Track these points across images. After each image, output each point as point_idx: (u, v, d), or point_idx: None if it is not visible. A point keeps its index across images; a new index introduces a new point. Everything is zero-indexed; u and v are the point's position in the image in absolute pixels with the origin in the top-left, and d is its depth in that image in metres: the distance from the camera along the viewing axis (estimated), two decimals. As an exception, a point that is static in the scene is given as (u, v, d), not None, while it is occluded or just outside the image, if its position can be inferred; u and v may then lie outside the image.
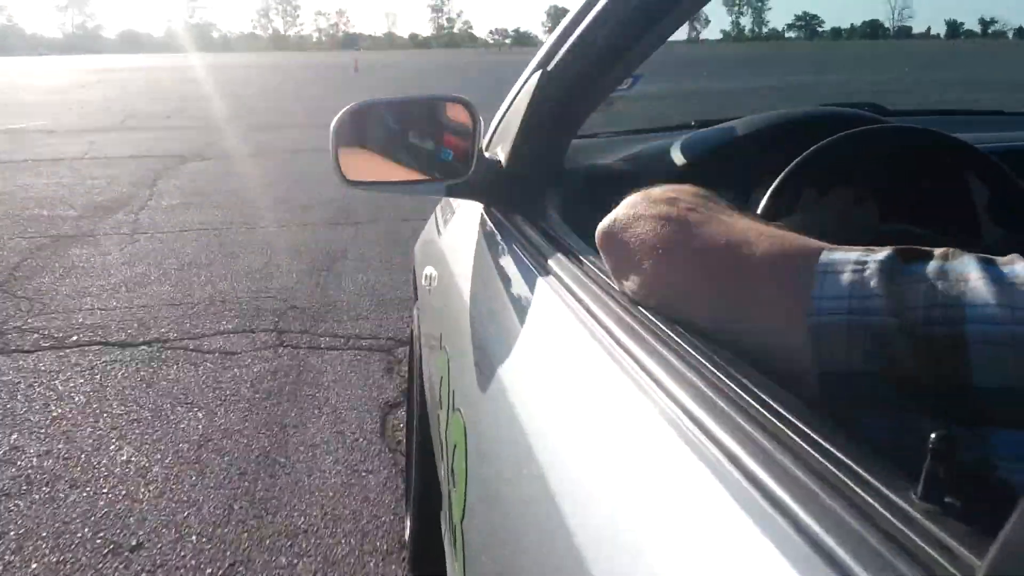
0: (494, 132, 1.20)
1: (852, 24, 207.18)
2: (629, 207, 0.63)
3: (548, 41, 1.08)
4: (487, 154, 1.11)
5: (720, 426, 0.44)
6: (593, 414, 0.60)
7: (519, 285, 0.90)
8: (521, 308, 0.87)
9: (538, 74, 1.05)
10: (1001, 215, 0.98)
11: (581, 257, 0.81)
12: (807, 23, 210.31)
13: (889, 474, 0.35)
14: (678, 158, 1.24)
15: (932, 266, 0.43)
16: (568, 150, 1.15)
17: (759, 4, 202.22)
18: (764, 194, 0.94)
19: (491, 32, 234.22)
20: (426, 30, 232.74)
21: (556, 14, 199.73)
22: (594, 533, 0.50)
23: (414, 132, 1.12)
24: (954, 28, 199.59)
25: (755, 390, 0.45)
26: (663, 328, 0.58)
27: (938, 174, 0.99)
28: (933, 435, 0.33)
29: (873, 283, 0.43)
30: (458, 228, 1.33)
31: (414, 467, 1.70)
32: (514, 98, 1.14)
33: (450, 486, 0.97)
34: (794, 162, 0.96)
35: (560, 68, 1.03)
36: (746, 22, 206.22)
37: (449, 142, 1.10)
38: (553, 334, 0.75)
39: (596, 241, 0.65)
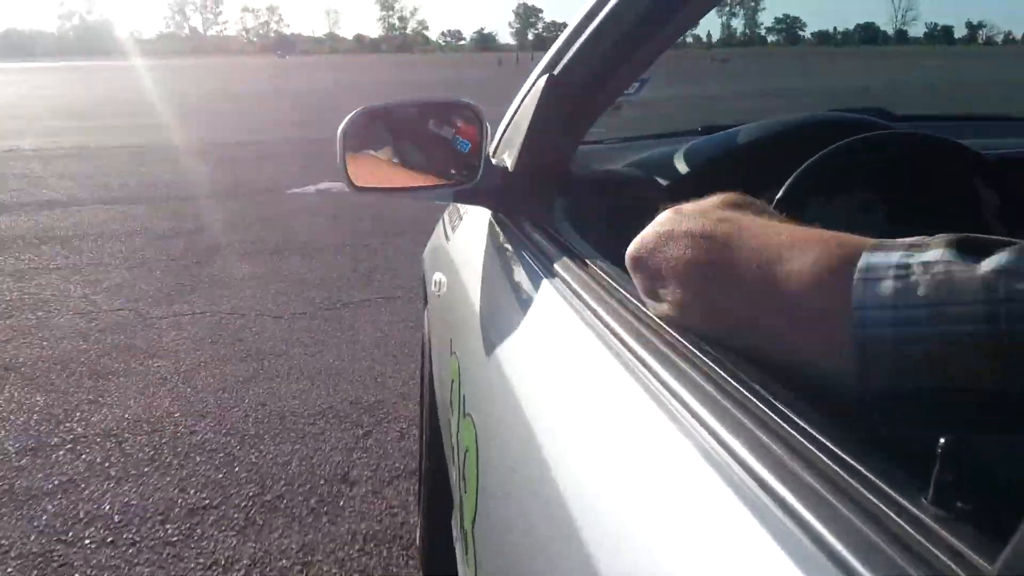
0: (501, 137, 1.20)
1: (836, 28, 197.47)
2: (659, 226, 0.60)
3: (554, 45, 1.08)
4: (494, 159, 1.11)
5: (729, 430, 0.44)
6: (603, 419, 0.60)
7: (527, 290, 0.90)
8: (530, 313, 0.87)
9: (544, 79, 1.05)
10: (1011, 222, 0.98)
11: (589, 262, 0.81)
12: (787, 26, 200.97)
13: (900, 478, 0.35)
14: (684, 164, 1.25)
15: (994, 261, 0.37)
16: (575, 155, 1.15)
17: (752, 6, 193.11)
18: (770, 200, 0.94)
19: (443, 34, 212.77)
20: (374, 31, 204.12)
21: (525, 13, 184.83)
22: (605, 538, 0.50)
23: (421, 137, 1.12)
24: (946, 33, 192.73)
25: (764, 394, 0.45)
26: (672, 333, 0.58)
27: (946, 180, 0.99)
28: (943, 439, 0.33)
29: (921, 290, 0.38)
30: (466, 234, 1.33)
31: (424, 470, 1.70)
32: (520, 103, 1.14)
33: (461, 491, 0.97)
34: (800, 168, 0.96)
35: (566, 72, 1.03)
36: (714, 31, 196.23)
37: (456, 146, 1.10)
38: (562, 339, 0.75)
39: (626, 264, 0.62)
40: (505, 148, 1.16)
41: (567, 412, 0.66)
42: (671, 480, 0.47)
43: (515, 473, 0.71)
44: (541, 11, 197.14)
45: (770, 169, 1.02)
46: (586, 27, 0.97)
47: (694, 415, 0.48)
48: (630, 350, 0.60)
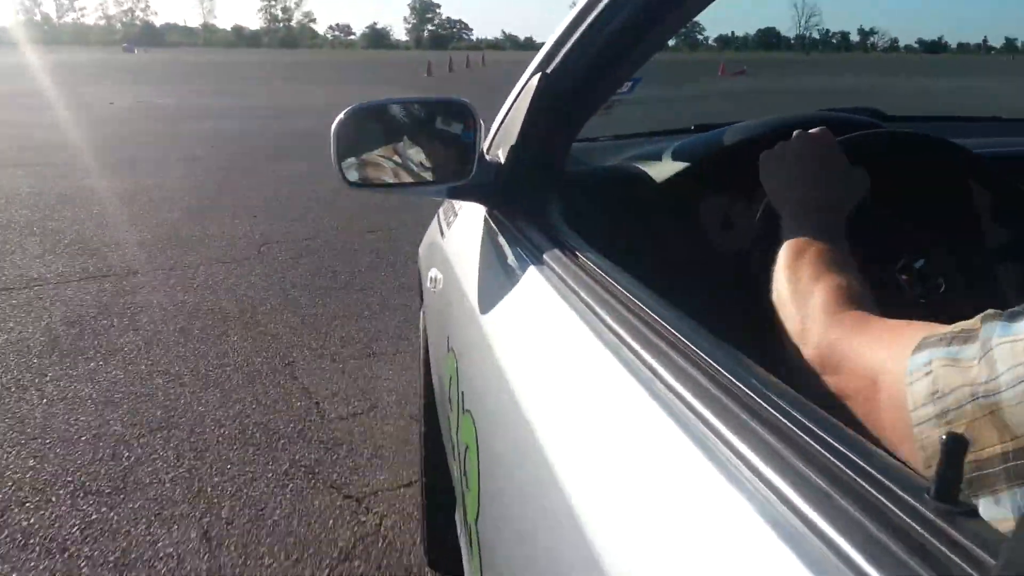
0: (495, 134, 1.20)
1: (734, 32, 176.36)
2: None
3: (547, 43, 1.08)
4: (488, 156, 1.11)
5: (730, 427, 0.44)
6: (600, 412, 0.61)
7: (523, 286, 0.90)
8: (525, 309, 0.87)
9: (538, 77, 1.05)
10: (1004, 218, 0.98)
11: (583, 257, 0.81)
12: (686, 31, 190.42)
13: (903, 474, 0.35)
14: (678, 162, 1.25)
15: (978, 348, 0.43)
16: (569, 153, 1.15)
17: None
18: (763, 199, 0.95)
19: (332, 28, 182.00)
20: (255, 22, 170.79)
21: (422, 7, 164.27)
22: (607, 530, 0.50)
23: (415, 134, 1.12)
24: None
25: (766, 391, 0.45)
26: (668, 328, 0.58)
27: (939, 178, 0.99)
28: (945, 436, 0.33)
29: (940, 383, 0.44)
30: (461, 230, 1.33)
31: (424, 466, 1.70)
32: (514, 100, 1.14)
33: (464, 487, 0.97)
34: None
35: (560, 71, 1.03)
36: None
37: (450, 144, 1.10)
38: (557, 334, 0.76)
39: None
40: (499, 145, 1.15)
41: (565, 406, 0.67)
42: (670, 473, 0.48)
43: (516, 468, 0.71)
44: (439, 6, 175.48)
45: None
46: (579, 26, 0.97)
47: (691, 409, 0.48)
48: (624, 343, 0.60)
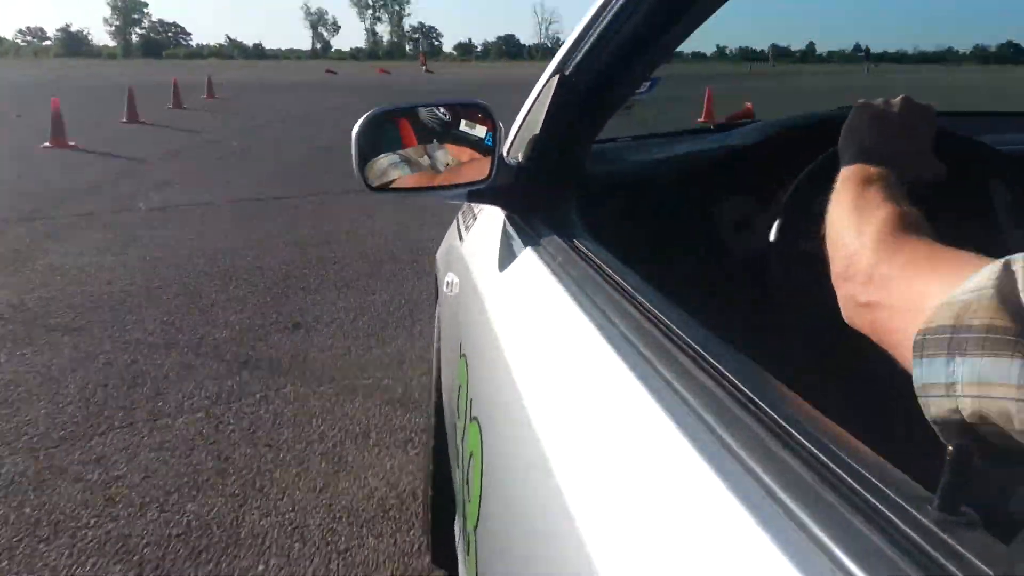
0: (514, 137, 1.21)
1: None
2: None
3: (565, 45, 1.08)
4: (508, 159, 1.12)
5: (737, 438, 0.44)
6: (611, 429, 0.59)
7: (540, 293, 0.89)
8: (541, 317, 0.86)
9: (556, 79, 1.05)
10: (1022, 216, 0.97)
11: (603, 265, 0.80)
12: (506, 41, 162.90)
13: (906, 484, 0.36)
14: (697, 162, 1.25)
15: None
16: (588, 154, 1.15)
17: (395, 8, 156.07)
18: (784, 196, 0.94)
19: (21, 31, 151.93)
20: None
21: (127, 7, 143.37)
22: (607, 543, 0.50)
23: (435, 137, 1.13)
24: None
25: (774, 400, 0.46)
26: (685, 339, 0.57)
27: (958, 175, 0.98)
28: (950, 447, 0.33)
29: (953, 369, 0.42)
30: (480, 234, 1.34)
31: (430, 470, 1.70)
32: (533, 103, 1.14)
33: (465, 495, 0.96)
34: (812, 164, 0.96)
35: (577, 72, 1.03)
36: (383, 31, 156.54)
37: (469, 147, 1.11)
38: (573, 345, 0.74)
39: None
40: (518, 148, 1.16)
41: (575, 421, 0.65)
42: (676, 487, 0.47)
43: (519, 479, 0.70)
44: (147, 4, 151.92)
45: (784, 166, 1.01)
46: (596, 27, 0.97)
47: (701, 421, 0.48)
48: (641, 355, 0.59)
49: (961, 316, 0.41)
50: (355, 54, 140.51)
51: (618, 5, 0.92)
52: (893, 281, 0.57)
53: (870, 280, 0.60)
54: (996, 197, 0.98)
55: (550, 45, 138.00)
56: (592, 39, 0.98)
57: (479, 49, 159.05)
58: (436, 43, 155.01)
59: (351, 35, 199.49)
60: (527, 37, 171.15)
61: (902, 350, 0.50)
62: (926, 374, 0.42)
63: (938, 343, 0.42)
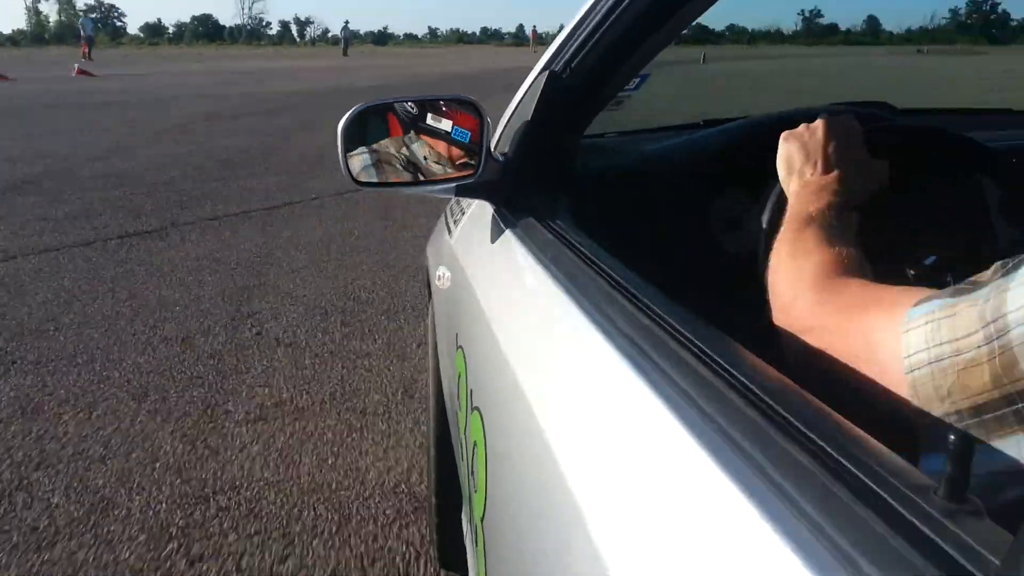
0: (503, 132, 1.20)
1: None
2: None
3: (555, 41, 1.08)
4: (496, 154, 1.11)
5: (735, 426, 0.44)
6: (608, 412, 0.60)
7: (531, 284, 0.90)
8: (534, 307, 0.87)
9: (545, 74, 1.05)
10: (1015, 214, 0.97)
11: (591, 255, 0.81)
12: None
13: (910, 473, 0.35)
14: (687, 157, 1.24)
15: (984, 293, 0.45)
16: (577, 149, 1.15)
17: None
18: (773, 192, 0.94)
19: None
20: None
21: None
22: (613, 529, 0.50)
23: (422, 132, 1.12)
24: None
25: (774, 390, 0.45)
26: (677, 327, 0.58)
27: (950, 173, 0.98)
28: (953, 437, 0.33)
29: (942, 331, 0.46)
30: (468, 228, 1.33)
31: (433, 464, 1.71)
32: (522, 98, 1.14)
33: (471, 485, 0.97)
34: None
35: (567, 68, 1.03)
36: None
37: (457, 142, 1.10)
38: (565, 333, 0.76)
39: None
40: (507, 143, 1.15)
41: (573, 405, 0.66)
42: (677, 474, 0.48)
43: (523, 466, 0.71)
44: None
45: (773, 162, 1.01)
46: (587, 23, 0.97)
47: (699, 409, 0.48)
48: (632, 343, 0.60)
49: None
50: (16, 38, 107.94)
51: (609, 1, 0.91)
52: (828, 328, 0.60)
53: (810, 330, 0.62)
54: (987, 194, 0.97)
55: (251, 27, 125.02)
56: (582, 36, 0.98)
57: (171, 31, 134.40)
58: (120, 23, 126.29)
59: (9, 14, 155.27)
60: (227, 18, 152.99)
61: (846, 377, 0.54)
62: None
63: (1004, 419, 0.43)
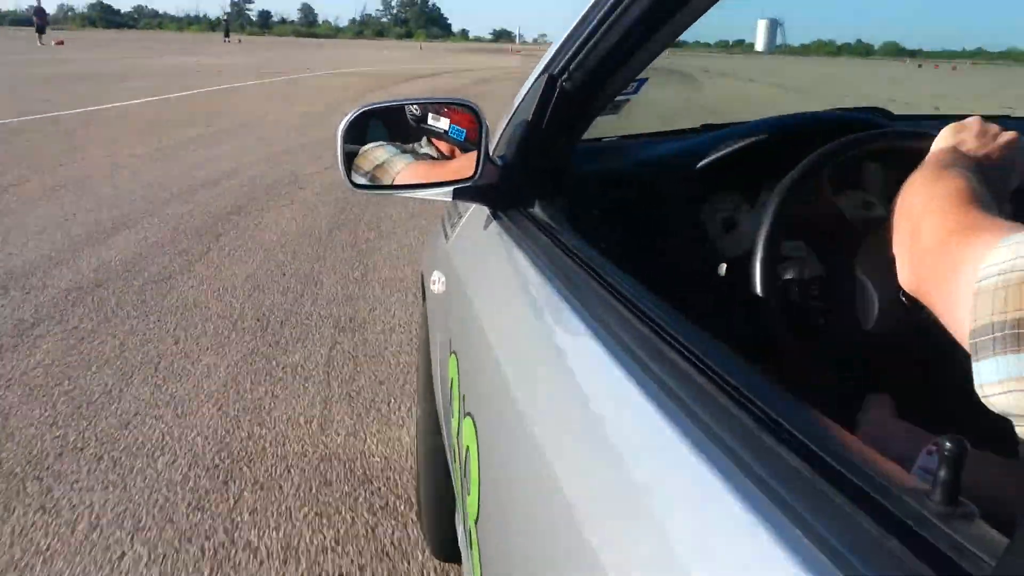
0: (500, 136, 1.21)
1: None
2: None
3: (554, 45, 1.08)
4: (494, 158, 1.11)
5: (729, 430, 0.44)
6: (602, 416, 0.60)
7: (527, 289, 0.90)
8: (529, 312, 0.87)
9: (544, 78, 1.05)
10: (1015, 218, 0.97)
11: (588, 260, 0.81)
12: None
13: (903, 476, 0.35)
14: (685, 162, 1.24)
15: None
16: (574, 154, 1.15)
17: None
18: (771, 197, 0.94)
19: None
20: None
21: None
22: (607, 533, 0.50)
23: (420, 135, 1.13)
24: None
25: (769, 396, 0.45)
26: (672, 332, 0.58)
27: None
28: (948, 442, 0.33)
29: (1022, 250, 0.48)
30: (466, 232, 1.33)
31: (423, 469, 1.70)
32: (520, 102, 1.14)
33: (464, 490, 0.97)
34: (800, 165, 0.96)
35: (565, 72, 1.03)
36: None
37: (455, 145, 1.10)
38: (560, 337, 0.76)
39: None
40: (504, 147, 1.16)
41: (567, 410, 0.66)
42: (671, 478, 0.47)
43: (516, 471, 0.71)
44: None
45: (772, 166, 1.01)
46: (585, 27, 0.97)
47: (693, 414, 0.48)
48: (628, 348, 0.60)
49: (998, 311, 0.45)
50: None
51: (608, 5, 0.92)
52: (940, 248, 0.60)
53: (928, 251, 0.63)
54: None
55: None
56: (581, 39, 0.99)
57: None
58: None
59: None
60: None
61: (947, 319, 0.55)
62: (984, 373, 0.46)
63: (985, 345, 0.46)
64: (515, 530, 0.70)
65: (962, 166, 0.75)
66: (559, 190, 1.10)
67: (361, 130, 1.10)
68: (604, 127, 1.34)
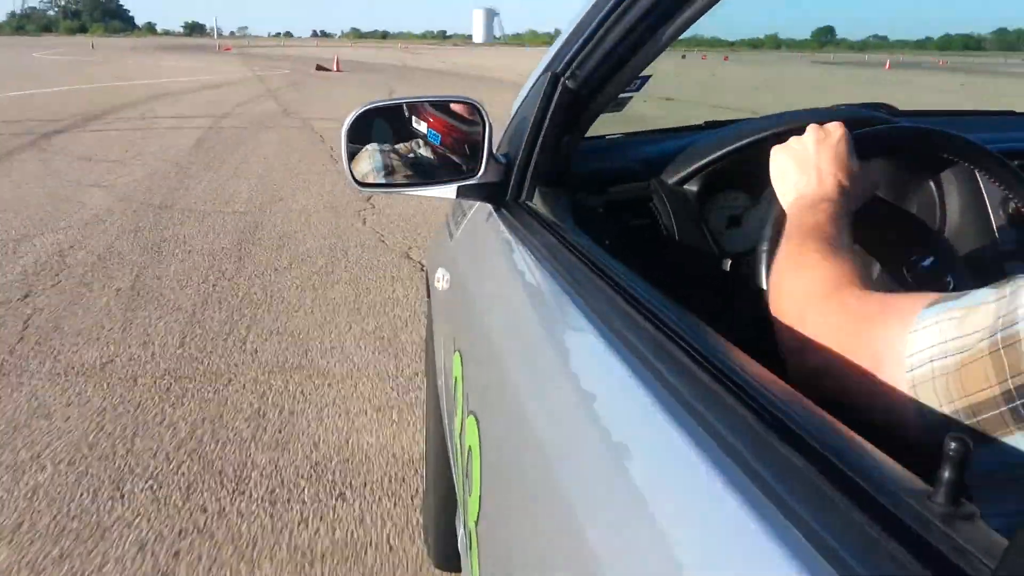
0: (504, 134, 1.21)
1: None
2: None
3: (556, 43, 1.08)
4: (497, 156, 1.11)
5: (733, 429, 0.44)
6: (607, 417, 0.60)
7: (530, 287, 0.90)
8: (533, 310, 0.87)
9: (547, 76, 1.05)
10: (1015, 215, 0.97)
11: (592, 258, 0.81)
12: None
13: (905, 477, 0.35)
14: (689, 160, 1.24)
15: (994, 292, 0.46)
16: (578, 152, 1.15)
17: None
18: (774, 198, 0.94)
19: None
20: None
21: None
22: (608, 536, 0.50)
23: (424, 133, 1.13)
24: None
25: (770, 394, 0.45)
26: (677, 331, 0.58)
27: (952, 174, 0.98)
28: (952, 442, 0.33)
29: (950, 330, 0.48)
30: (470, 230, 1.33)
31: (428, 467, 1.70)
32: (524, 100, 1.14)
33: (465, 490, 0.97)
34: None
35: (568, 70, 1.03)
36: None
37: (459, 143, 1.10)
38: (564, 335, 0.75)
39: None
40: (508, 144, 1.16)
41: (571, 410, 0.66)
42: (675, 479, 0.47)
43: (519, 472, 0.71)
44: None
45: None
46: (588, 25, 0.97)
47: (697, 413, 0.48)
48: (633, 347, 0.60)
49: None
50: None
51: (611, 2, 0.91)
52: (838, 343, 0.59)
53: (820, 349, 0.61)
54: (988, 196, 0.98)
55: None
56: (584, 37, 0.98)
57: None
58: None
59: None
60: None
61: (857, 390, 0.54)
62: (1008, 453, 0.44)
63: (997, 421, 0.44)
64: (516, 532, 0.70)
65: (816, 233, 0.74)
66: (563, 188, 1.10)
67: (366, 129, 1.10)
68: (607, 124, 1.33)
